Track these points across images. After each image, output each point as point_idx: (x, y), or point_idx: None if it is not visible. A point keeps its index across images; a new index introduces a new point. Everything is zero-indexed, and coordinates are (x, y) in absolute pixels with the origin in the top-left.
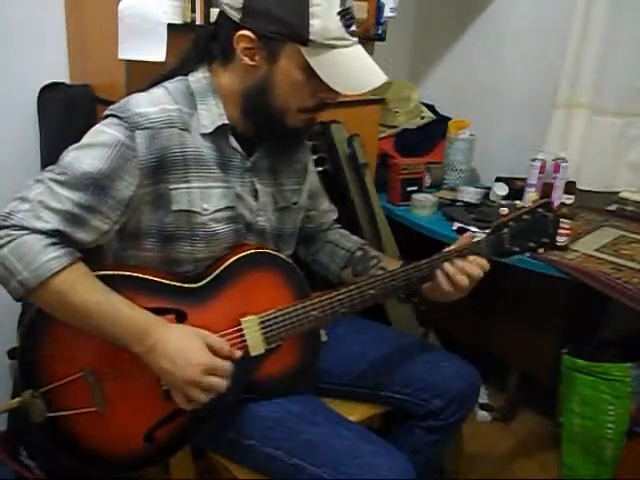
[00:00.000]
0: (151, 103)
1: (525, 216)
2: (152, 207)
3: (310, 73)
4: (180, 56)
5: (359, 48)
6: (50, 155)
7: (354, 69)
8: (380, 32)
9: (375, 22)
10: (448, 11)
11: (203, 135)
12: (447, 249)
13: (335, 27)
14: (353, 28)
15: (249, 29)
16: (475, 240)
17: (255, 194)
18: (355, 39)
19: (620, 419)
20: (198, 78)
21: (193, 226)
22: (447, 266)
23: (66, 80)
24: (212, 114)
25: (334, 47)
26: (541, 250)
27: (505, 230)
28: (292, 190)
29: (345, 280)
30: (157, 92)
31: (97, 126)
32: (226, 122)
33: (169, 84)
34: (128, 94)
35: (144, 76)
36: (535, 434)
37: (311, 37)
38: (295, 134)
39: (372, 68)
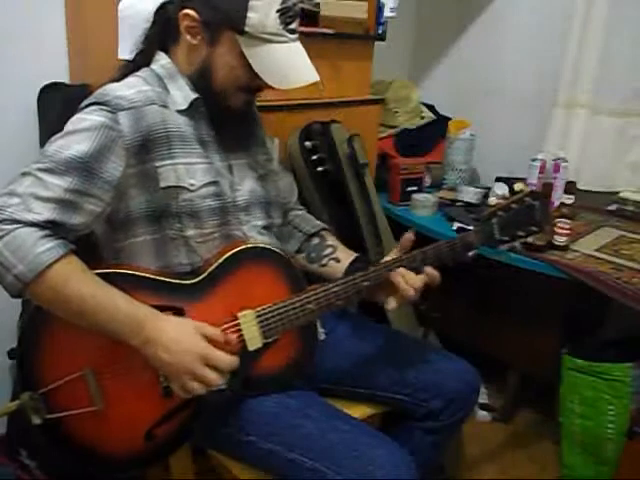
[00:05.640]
0: (127, 87)
1: (513, 205)
2: (140, 188)
3: (246, 61)
4: (138, 47)
5: (297, 45)
6: None
7: (287, 65)
8: (380, 32)
9: (375, 22)
10: (448, 11)
11: (179, 112)
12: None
13: (272, 23)
14: (293, 26)
15: (193, 9)
16: (465, 231)
17: (230, 169)
18: (293, 36)
19: (620, 419)
20: (162, 64)
21: (180, 203)
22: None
23: (66, 80)
24: (183, 92)
25: (270, 42)
26: (530, 239)
27: (494, 220)
28: (265, 159)
29: (299, 265)
30: (130, 79)
31: (77, 115)
32: (198, 96)
33: (139, 73)
34: None
35: None
36: (535, 434)
37: (247, 29)
38: (238, 112)
39: (305, 66)
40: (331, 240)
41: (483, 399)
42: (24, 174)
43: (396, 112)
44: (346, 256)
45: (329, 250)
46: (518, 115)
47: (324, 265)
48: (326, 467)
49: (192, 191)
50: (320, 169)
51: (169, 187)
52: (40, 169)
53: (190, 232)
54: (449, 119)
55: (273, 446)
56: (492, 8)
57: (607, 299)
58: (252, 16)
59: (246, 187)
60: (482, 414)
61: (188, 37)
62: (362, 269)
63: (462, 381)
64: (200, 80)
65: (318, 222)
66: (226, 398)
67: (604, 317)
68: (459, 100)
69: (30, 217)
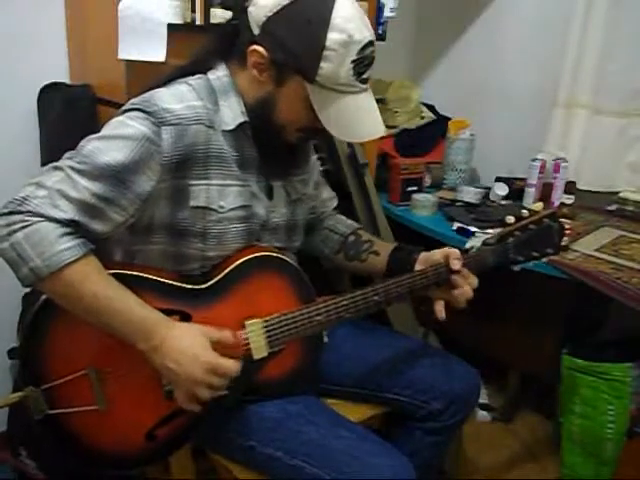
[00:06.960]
0: (177, 99)
1: (531, 226)
2: (169, 202)
3: (310, 107)
4: (198, 51)
5: (366, 96)
6: (50, 155)
7: (354, 117)
8: (380, 32)
9: (375, 22)
10: (448, 11)
11: (224, 132)
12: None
13: (345, 74)
14: (366, 75)
15: (263, 47)
16: (477, 248)
17: (270, 192)
18: (365, 85)
19: (620, 419)
20: (218, 76)
21: (207, 224)
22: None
23: (66, 80)
24: (234, 111)
25: (339, 92)
26: (544, 260)
27: (510, 239)
28: (301, 181)
29: (338, 264)
30: (181, 88)
31: (120, 118)
32: (247, 119)
33: (192, 81)
34: (129, 94)
35: (144, 76)
36: (535, 434)
37: (318, 78)
38: (291, 146)
39: (373, 119)
40: (366, 236)
41: (483, 399)
42: (55, 168)
43: (396, 112)
44: (385, 248)
45: (367, 245)
46: (518, 115)
47: (364, 260)
48: (327, 474)
49: (220, 213)
50: (320, 169)
51: (198, 207)
52: (72, 167)
53: (211, 253)
54: (449, 119)
55: (274, 452)
56: (492, 8)
57: (607, 299)
58: (325, 66)
59: (279, 210)
60: (482, 414)
61: (254, 72)
62: (404, 258)
63: (463, 382)
64: (258, 110)
65: (351, 222)
66: (228, 403)
67: (604, 317)
68: (459, 100)
69: (54, 213)
